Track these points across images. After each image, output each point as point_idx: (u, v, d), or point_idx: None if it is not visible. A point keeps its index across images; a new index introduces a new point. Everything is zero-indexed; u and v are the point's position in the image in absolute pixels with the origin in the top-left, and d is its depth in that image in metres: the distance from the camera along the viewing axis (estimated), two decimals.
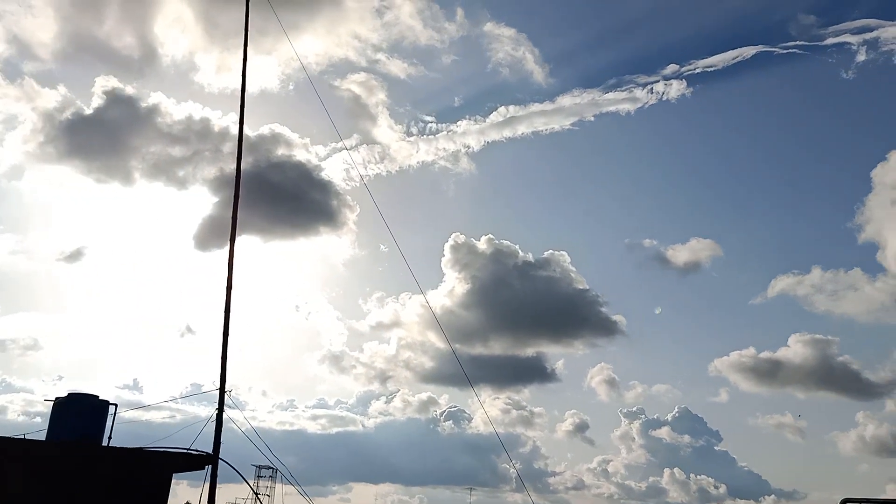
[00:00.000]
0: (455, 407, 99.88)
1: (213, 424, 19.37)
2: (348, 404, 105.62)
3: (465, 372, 27.25)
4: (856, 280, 79.00)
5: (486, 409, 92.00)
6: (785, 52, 73.53)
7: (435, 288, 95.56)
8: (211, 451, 19.17)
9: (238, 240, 21.55)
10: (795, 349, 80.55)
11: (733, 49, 76.52)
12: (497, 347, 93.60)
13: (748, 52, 75.23)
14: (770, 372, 79.74)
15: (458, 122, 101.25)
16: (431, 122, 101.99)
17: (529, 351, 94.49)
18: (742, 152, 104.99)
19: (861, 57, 70.88)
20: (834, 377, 77.47)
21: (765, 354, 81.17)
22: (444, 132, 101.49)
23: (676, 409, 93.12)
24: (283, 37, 28.59)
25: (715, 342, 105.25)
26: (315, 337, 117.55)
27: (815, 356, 78.96)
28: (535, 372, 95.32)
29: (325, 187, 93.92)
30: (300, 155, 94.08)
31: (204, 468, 19.25)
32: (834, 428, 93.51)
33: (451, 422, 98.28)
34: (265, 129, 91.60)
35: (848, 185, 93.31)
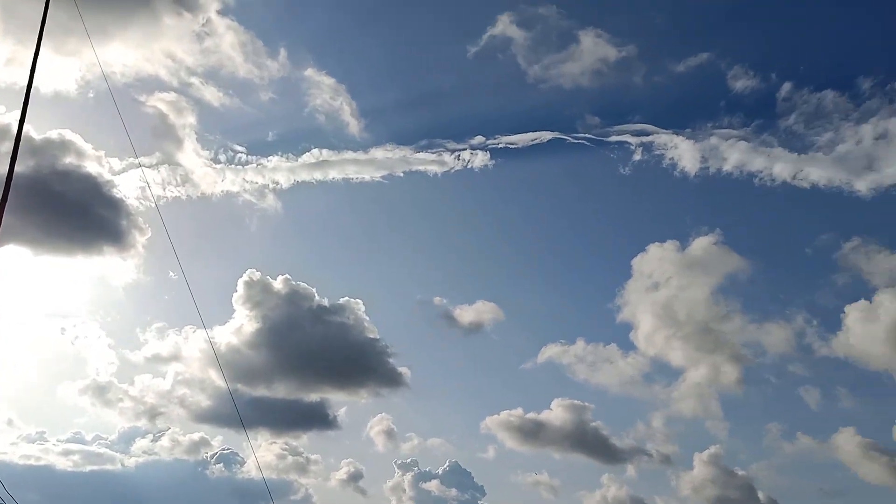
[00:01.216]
0: (228, 449, 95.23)
1: None
2: (108, 440, 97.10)
3: (239, 413, 26.34)
4: (611, 354, 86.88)
5: (263, 453, 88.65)
6: (576, 142, 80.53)
7: (223, 324, 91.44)
8: None
9: (1, 249, 19.54)
10: (557, 412, 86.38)
11: (533, 132, 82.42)
12: (281, 390, 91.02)
13: (545, 136, 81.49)
14: (533, 432, 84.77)
15: (270, 157, 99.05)
16: (241, 153, 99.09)
17: (314, 396, 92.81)
18: (531, 226, 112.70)
19: (637, 156, 79.52)
20: (586, 441, 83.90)
21: (531, 415, 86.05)
22: (254, 164, 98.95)
23: (448, 463, 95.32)
24: (88, 40, 26.83)
25: (488, 400, 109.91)
26: (80, 364, 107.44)
27: (572, 420, 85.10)
28: (316, 418, 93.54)
29: (115, 204, 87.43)
30: (91, 167, 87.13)
31: None
32: (582, 488, 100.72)
33: (221, 465, 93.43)
34: (54, 134, 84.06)
35: (613, 269, 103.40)
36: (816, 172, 68.61)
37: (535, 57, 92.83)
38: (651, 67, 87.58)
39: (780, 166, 70.30)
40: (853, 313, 67.81)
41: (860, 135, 67.08)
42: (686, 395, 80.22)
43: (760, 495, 69.89)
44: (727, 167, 74.66)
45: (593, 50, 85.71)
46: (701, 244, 79.35)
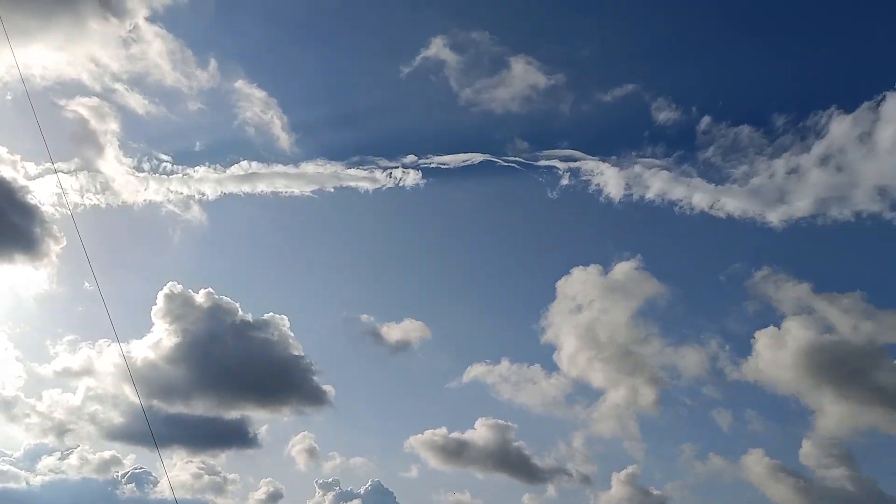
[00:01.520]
0: (141, 468, 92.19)
1: None
2: (12, 457, 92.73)
3: (151, 430, 25.78)
4: (535, 375, 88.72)
5: (178, 472, 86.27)
6: (506, 164, 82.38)
7: (141, 337, 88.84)
8: None
9: None
10: (480, 432, 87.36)
11: (465, 153, 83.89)
12: (200, 407, 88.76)
13: (476, 157, 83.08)
14: (457, 451, 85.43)
15: (197, 168, 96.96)
16: (167, 162, 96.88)
17: (234, 414, 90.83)
18: (460, 246, 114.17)
19: (565, 181, 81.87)
20: (509, 460, 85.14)
21: (455, 434, 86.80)
22: (180, 174, 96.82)
23: (370, 483, 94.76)
24: (6, 40, 26.10)
25: (413, 419, 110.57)
26: None
27: (495, 440, 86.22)
28: (236, 436, 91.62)
29: (28, 211, 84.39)
30: (4, 171, 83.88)
31: None
32: None
33: (133, 484, 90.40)
34: None
35: (538, 290, 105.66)
36: (732, 203, 72.11)
37: (466, 80, 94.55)
38: (579, 96, 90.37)
39: (698, 196, 73.57)
40: (762, 339, 70.96)
41: (773, 169, 70.90)
42: (606, 416, 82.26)
43: None
44: (650, 195, 77.65)
45: (524, 76, 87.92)
46: (623, 269, 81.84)
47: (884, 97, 63.70)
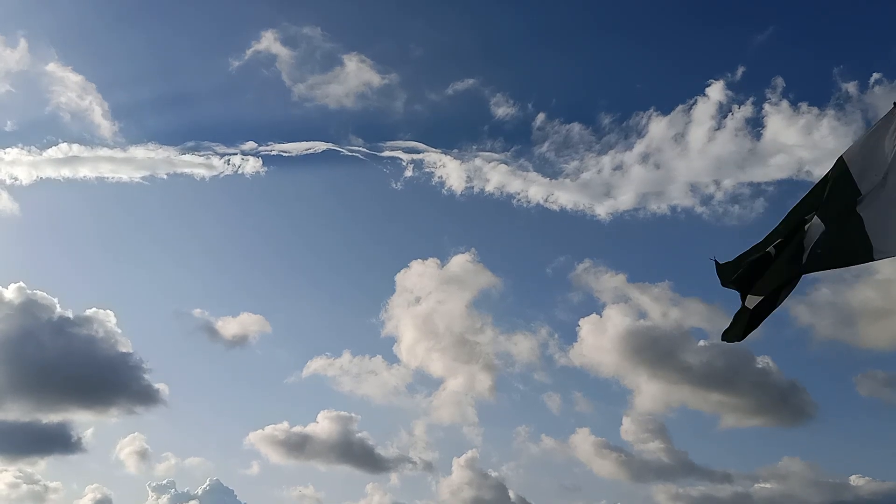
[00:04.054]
0: None
1: None
2: None
3: None
4: (376, 366, 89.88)
5: None
6: (350, 154, 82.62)
7: None
8: None
9: None
10: (323, 425, 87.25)
11: (307, 141, 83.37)
12: (15, 412, 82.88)
13: (319, 146, 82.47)
14: (299, 445, 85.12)
15: (8, 150, 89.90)
16: None
17: (54, 417, 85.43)
18: (302, 237, 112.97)
19: (408, 173, 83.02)
20: (352, 451, 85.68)
21: (296, 429, 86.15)
22: None
23: (208, 482, 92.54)
24: None
25: (253, 415, 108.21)
26: None
27: (338, 431, 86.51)
28: (57, 441, 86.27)
29: None
30: None
31: None
32: (347, 498, 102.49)
33: None
34: None
35: (378, 284, 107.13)
36: (564, 196, 76.78)
37: (299, 75, 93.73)
38: (415, 93, 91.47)
39: (534, 189, 77.64)
40: (586, 326, 75.93)
41: (601, 164, 76.23)
42: (445, 403, 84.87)
43: (511, 494, 75.56)
44: (489, 188, 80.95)
45: (357, 74, 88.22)
46: (458, 261, 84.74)
47: (695, 101, 70.65)
